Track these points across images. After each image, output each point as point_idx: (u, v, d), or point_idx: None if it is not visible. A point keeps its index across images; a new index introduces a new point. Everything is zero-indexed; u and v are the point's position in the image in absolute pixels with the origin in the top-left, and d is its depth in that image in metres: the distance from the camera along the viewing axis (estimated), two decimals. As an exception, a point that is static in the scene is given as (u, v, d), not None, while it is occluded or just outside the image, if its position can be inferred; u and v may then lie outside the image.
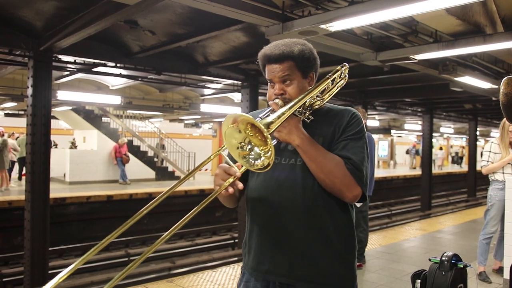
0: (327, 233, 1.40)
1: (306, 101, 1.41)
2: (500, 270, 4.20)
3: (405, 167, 26.20)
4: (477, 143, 17.96)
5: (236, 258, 8.29)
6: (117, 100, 9.64)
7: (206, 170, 19.83)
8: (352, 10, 3.60)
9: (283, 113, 1.30)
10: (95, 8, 4.43)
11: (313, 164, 1.35)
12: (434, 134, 18.06)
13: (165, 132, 17.17)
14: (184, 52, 7.02)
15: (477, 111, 14.79)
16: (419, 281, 2.65)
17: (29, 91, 5.63)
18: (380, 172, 19.53)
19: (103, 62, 6.87)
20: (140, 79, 8.69)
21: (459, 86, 7.69)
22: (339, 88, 1.58)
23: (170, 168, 15.27)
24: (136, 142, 14.91)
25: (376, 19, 3.80)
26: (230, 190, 1.30)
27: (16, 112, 14.94)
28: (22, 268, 6.12)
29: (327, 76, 1.51)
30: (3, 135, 10.35)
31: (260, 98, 8.61)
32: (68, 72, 8.26)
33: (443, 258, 2.64)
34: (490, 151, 4.14)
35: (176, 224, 1.21)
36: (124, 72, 7.59)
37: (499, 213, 4.04)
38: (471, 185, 16.33)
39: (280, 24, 4.16)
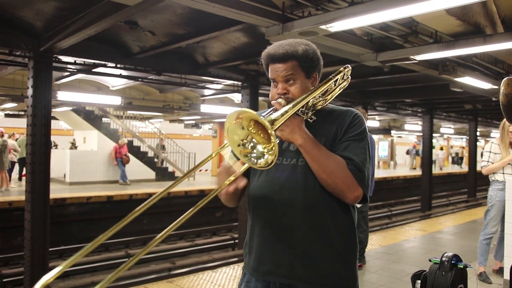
0: (328, 233, 1.40)
1: (309, 101, 1.41)
2: (500, 271, 4.20)
3: (405, 167, 26.18)
4: (477, 143, 17.95)
5: (236, 259, 8.29)
6: (117, 100, 9.64)
7: (206, 170, 19.84)
8: (352, 11, 3.60)
9: (286, 111, 1.30)
10: (95, 9, 4.44)
11: (315, 164, 1.35)
12: (434, 135, 18.05)
13: (165, 132, 17.17)
14: (184, 52, 7.02)
15: (477, 112, 14.80)
16: (419, 281, 2.64)
17: (29, 91, 5.63)
18: (380, 173, 19.52)
19: (103, 62, 6.88)
20: (140, 79, 8.70)
21: (459, 87, 7.69)
22: (341, 89, 1.59)
23: (170, 169, 15.27)
24: (136, 142, 14.91)
25: (376, 20, 3.80)
26: (231, 188, 1.31)
27: (16, 112, 14.94)
28: (22, 269, 6.12)
29: (330, 76, 1.51)
30: (3, 136, 10.35)
31: (260, 98, 8.61)
32: (68, 73, 8.27)
33: (443, 259, 2.64)
34: (490, 152, 4.14)
35: (179, 219, 1.20)
36: (124, 72, 7.59)
37: (499, 214, 4.04)
38: (471, 186, 16.33)
39: (280, 25, 4.16)
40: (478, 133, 18.98)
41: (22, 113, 14.34)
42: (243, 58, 6.79)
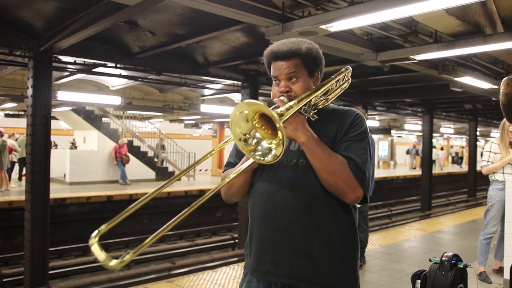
0: (328, 234, 1.39)
1: (311, 100, 1.41)
2: (500, 270, 4.20)
3: (405, 167, 26.19)
4: (477, 143, 17.95)
5: (236, 259, 8.28)
6: (117, 100, 9.64)
7: (206, 170, 19.85)
8: (352, 11, 3.60)
9: (291, 106, 1.28)
10: (95, 9, 4.43)
11: (317, 163, 1.34)
12: (434, 134, 18.05)
13: (165, 132, 17.18)
14: (184, 52, 7.02)
15: (477, 111, 14.79)
16: (419, 281, 2.64)
17: (29, 91, 5.63)
18: (380, 172, 19.53)
19: (103, 62, 6.87)
20: (140, 79, 8.70)
21: (459, 87, 7.68)
22: (342, 90, 1.59)
23: (170, 169, 15.27)
24: (136, 142, 14.91)
25: (376, 20, 3.80)
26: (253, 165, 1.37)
27: (16, 112, 14.94)
28: (22, 269, 6.12)
29: (332, 76, 1.51)
30: (2, 136, 10.35)
31: (260, 98, 8.61)
32: (68, 73, 8.26)
33: (443, 258, 2.64)
34: (490, 151, 4.14)
35: (185, 210, 1.20)
36: (124, 72, 7.59)
37: (499, 213, 4.04)
38: (471, 185, 16.32)
39: (280, 25, 4.15)
40: (478, 133, 18.97)
41: (22, 113, 14.34)
42: (243, 58, 6.79)
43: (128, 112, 14.84)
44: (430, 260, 2.73)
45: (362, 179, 1.35)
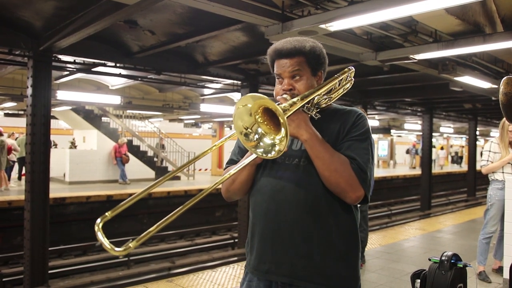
0: (329, 233, 1.39)
1: (314, 98, 1.40)
2: (499, 270, 4.21)
3: (405, 166, 26.21)
4: (477, 142, 17.96)
5: (236, 258, 8.28)
6: (116, 100, 9.64)
7: (206, 170, 19.84)
8: (351, 10, 3.60)
9: (294, 103, 1.28)
10: (95, 8, 4.43)
11: (319, 161, 1.34)
12: (434, 134, 18.05)
13: (164, 132, 17.18)
14: (184, 52, 7.02)
15: (476, 111, 14.79)
16: (418, 280, 2.64)
17: (29, 91, 5.63)
18: (380, 172, 19.54)
19: (103, 62, 6.87)
20: (139, 79, 8.69)
21: (459, 86, 7.68)
22: (345, 91, 1.59)
23: (170, 168, 15.28)
24: (135, 142, 14.91)
25: (375, 19, 3.80)
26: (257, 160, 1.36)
27: (16, 112, 14.95)
28: (22, 268, 6.12)
29: (335, 75, 1.51)
30: (2, 135, 10.34)
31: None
32: (67, 72, 8.26)
33: (443, 258, 2.64)
34: (489, 151, 4.14)
35: (192, 199, 1.19)
36: (123, 72, 7.59)
37: (499, 213, 4.04)
38: (471, 185, 16.33)
39: (280, 24, 4.15)
40: (477, 132, 18.97)
41: (22, 112, 14.35)
42: (243, 58, 6.79)
43: (128, 111, 14.84)
44: (429, 260, 2.73)
45: (364, 178, 1.35)
